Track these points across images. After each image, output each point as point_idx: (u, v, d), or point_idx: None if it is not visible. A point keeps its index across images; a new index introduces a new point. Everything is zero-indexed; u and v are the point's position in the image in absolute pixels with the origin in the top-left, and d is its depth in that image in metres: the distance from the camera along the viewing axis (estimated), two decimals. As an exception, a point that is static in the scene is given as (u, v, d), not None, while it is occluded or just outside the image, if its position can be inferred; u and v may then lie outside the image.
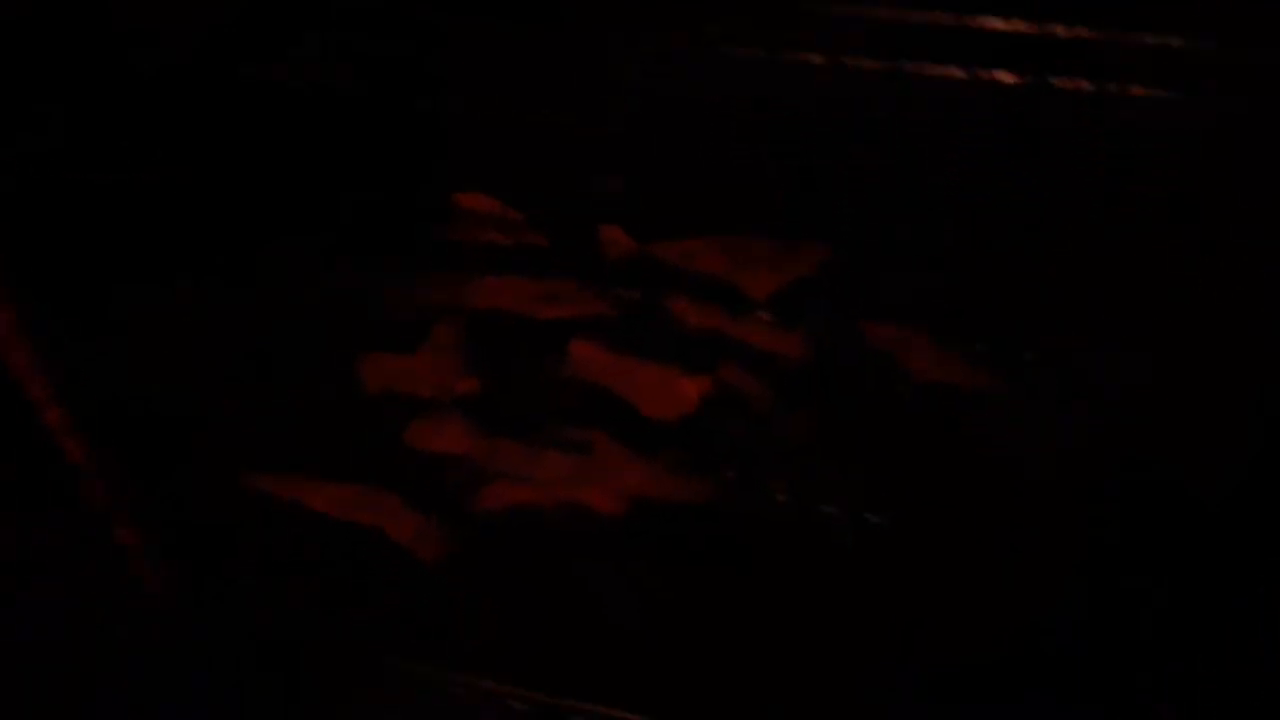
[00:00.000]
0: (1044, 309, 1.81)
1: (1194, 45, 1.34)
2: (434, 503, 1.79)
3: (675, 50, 1.64)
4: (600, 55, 1.69)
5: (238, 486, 1.83)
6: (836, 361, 1.97)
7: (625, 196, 2.04)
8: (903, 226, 1.90)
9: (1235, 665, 1.46)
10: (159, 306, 1.88)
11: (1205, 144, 1.43)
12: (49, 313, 1.69)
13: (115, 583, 1.85)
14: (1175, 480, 1.51)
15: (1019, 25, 1.40)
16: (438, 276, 2.10)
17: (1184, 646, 1.49)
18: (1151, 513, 1.51)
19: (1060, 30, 1.38)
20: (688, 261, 2.10)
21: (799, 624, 1.67)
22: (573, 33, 1.69)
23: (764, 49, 1.58)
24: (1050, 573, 1.55)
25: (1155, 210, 1.52)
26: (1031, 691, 1.47)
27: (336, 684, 1.86)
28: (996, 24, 1.39)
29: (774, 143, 1.79)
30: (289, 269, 1.94)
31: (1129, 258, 1.60)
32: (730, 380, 1.94)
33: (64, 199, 1.72)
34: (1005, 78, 1.46)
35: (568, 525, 1.78)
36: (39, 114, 1.66)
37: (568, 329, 2.00)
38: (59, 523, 1.83)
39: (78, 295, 1.76)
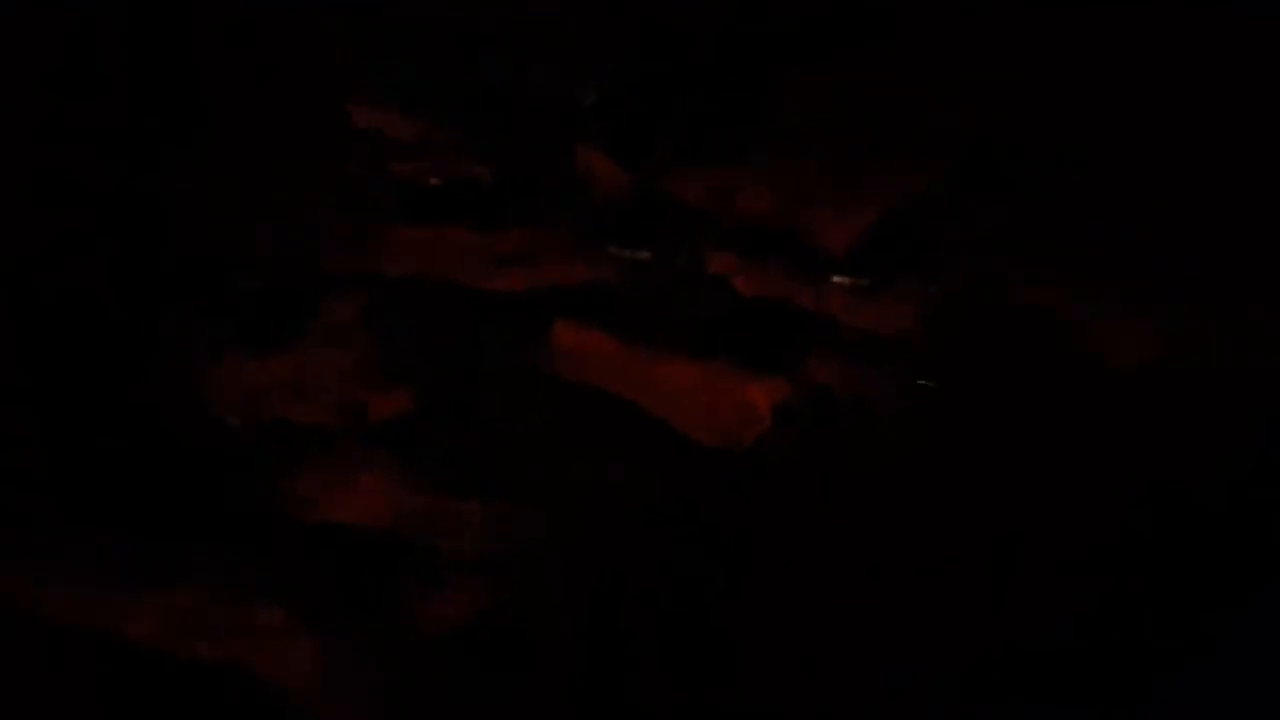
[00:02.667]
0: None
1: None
2: (344, 619, 1.13)
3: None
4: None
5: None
6: (973, 343, 1.51)
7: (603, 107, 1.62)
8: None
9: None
10: None
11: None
12: None
13: None
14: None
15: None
16: (326, 225, 1.55)
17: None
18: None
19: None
20: (720, 201, 1.61)
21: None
22: None
23: None
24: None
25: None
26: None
27: None
28: None
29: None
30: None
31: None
32: (820, 379, 1.41)
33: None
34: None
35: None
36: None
37: (540, 306, 1.49)
38: None
39: None
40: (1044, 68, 1.86)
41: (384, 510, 1.24)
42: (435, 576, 1.18)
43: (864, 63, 1.81)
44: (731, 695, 1.32)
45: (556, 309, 1.46)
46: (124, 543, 1.25)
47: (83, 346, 1.53)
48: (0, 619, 1.17)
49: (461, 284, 1.52)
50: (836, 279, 1.48)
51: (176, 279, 1.62)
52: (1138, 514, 1.43)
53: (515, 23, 1.74)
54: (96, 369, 1.52)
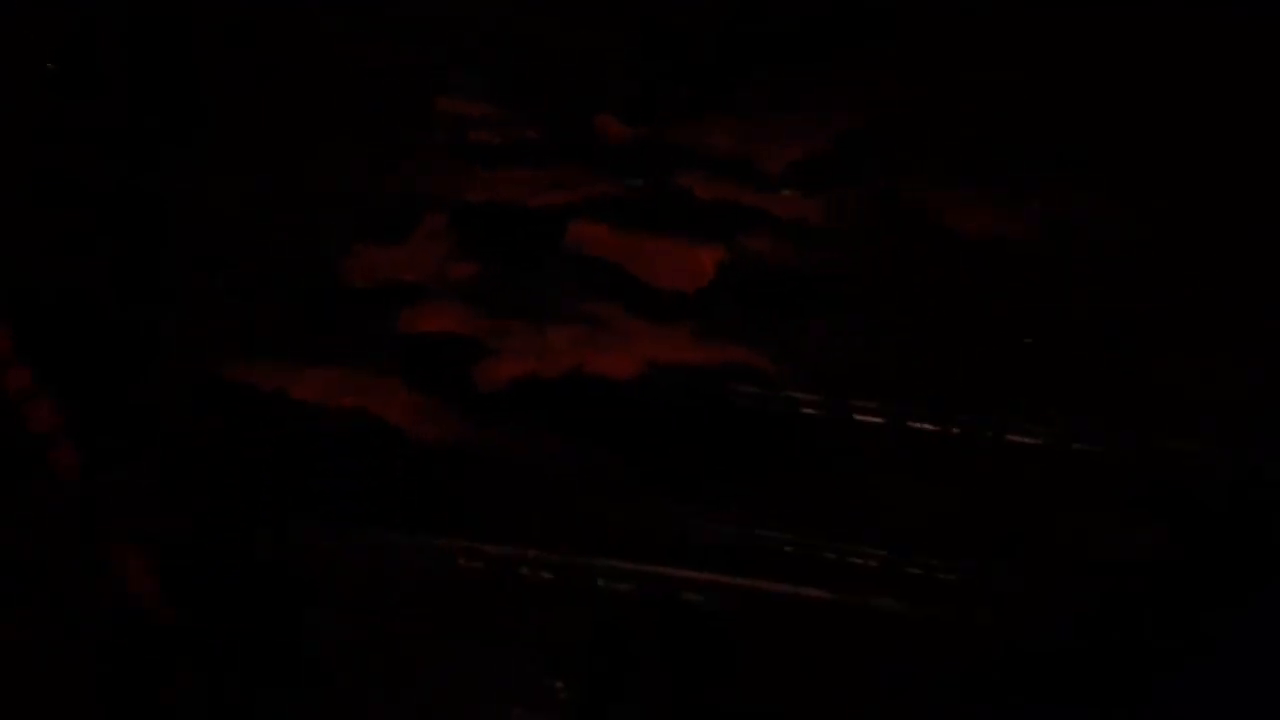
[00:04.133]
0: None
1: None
2: (432, 384, 1.61)
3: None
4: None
5: (210, 377, 1.77)
6: (867, 224, 2.02)
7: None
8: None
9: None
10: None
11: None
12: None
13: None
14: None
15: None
16: (426, 168, 2.14)
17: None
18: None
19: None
20: (695, 140, 2.16)
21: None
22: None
23: None
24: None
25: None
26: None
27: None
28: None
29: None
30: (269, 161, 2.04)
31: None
32: (750, 246, 1.87)
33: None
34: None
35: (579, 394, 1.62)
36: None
37: (568, 215, 2.00)
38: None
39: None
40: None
41: (456, 326, 1.93)
42: (491, 356, 1.84)
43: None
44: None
45: (577, 213, 1.99)
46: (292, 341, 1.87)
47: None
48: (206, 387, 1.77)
49: (518, 202, 2.12)
50: (783, 192, 1.97)
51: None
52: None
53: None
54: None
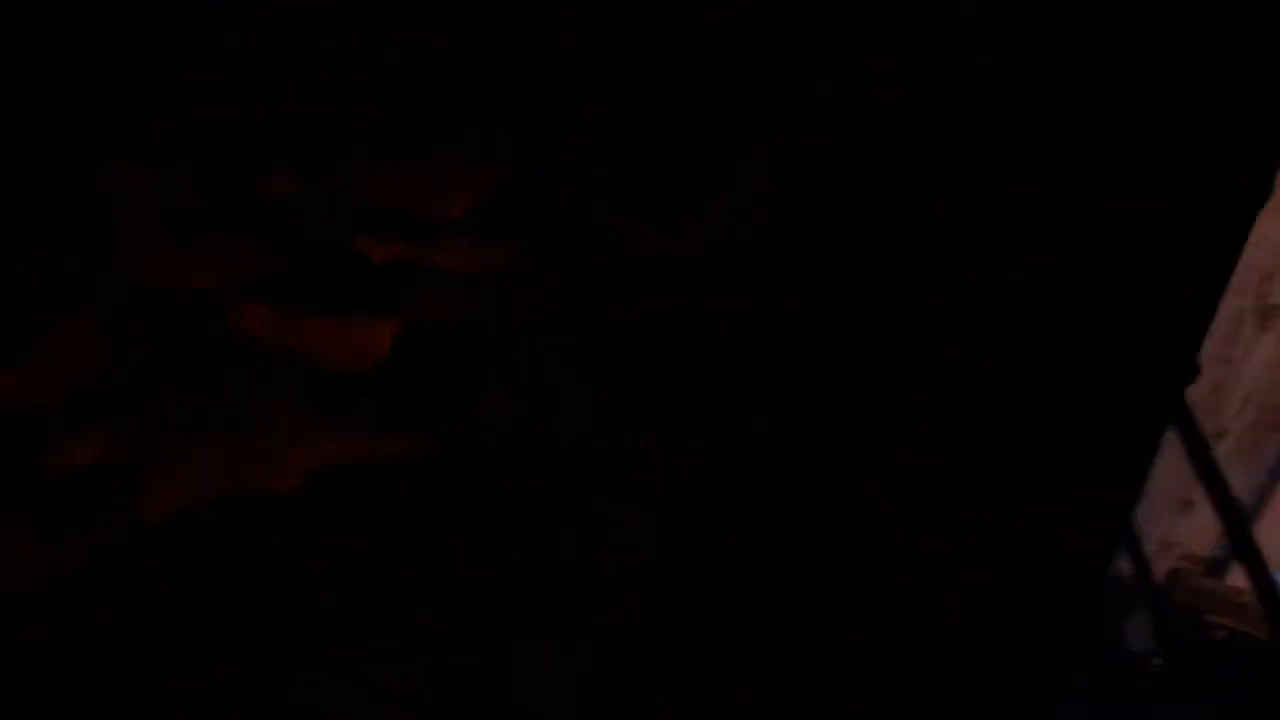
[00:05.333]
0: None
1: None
2: (69, 528, 1.38)
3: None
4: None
5: None
6: (555, 267, 1.66)
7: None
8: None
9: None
10: None
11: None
12: None
13: None
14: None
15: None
16: (71, 260, 1.76)
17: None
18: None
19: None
20: (367, 193, 1.85)
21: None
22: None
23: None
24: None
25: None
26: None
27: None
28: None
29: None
30: None
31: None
32: (427, 314, 1.65)
33: None
34: None
35: (239, 517, 1.42)
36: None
37: (229, 296, 1.80)
38: None
39: None
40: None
41: (99, 456, 1.71)
42: (138, 489, 1.64)
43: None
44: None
45: (240, 294, 1.90)
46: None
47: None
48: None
49: (174, 287, 1.89)
50: (459, 239, 1.91)
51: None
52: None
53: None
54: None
